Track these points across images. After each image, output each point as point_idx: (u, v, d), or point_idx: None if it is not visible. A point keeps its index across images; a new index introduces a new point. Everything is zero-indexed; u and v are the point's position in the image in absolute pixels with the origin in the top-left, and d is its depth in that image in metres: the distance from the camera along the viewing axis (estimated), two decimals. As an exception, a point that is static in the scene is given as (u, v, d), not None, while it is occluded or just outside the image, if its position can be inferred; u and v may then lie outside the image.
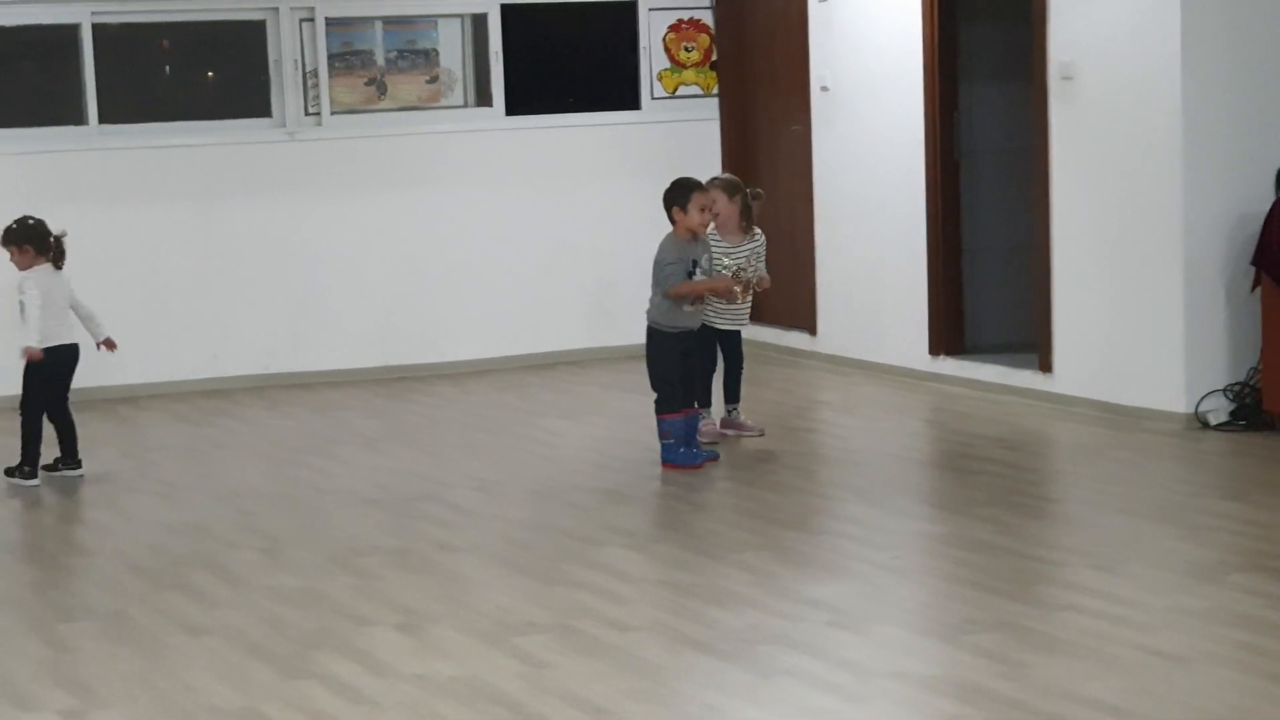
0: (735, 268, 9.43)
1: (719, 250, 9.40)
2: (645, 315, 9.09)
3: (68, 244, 9.22)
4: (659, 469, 8.89)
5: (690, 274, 8.94)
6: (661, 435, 8.94)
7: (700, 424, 9.36)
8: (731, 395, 9.71)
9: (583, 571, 7.08)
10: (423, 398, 11.26)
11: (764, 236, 9.67)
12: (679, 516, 8.15)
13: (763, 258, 9.62)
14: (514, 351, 12.28)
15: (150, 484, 9.08)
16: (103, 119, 11.44)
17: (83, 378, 11.32)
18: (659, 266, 8.93)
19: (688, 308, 9.02)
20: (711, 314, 9.40)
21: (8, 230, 9.16)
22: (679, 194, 8.98)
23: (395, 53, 12.14)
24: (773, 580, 6.88)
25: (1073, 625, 6.18)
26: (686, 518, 8.11)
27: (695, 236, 8.99)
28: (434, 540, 7.70)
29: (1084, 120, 9.87)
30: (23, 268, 9.12)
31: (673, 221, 9.00)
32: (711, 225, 9.36)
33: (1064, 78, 9.92)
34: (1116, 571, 6.81)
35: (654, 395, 9.00)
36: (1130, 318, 9.71)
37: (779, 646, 6.07)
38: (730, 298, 9.29)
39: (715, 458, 9.04)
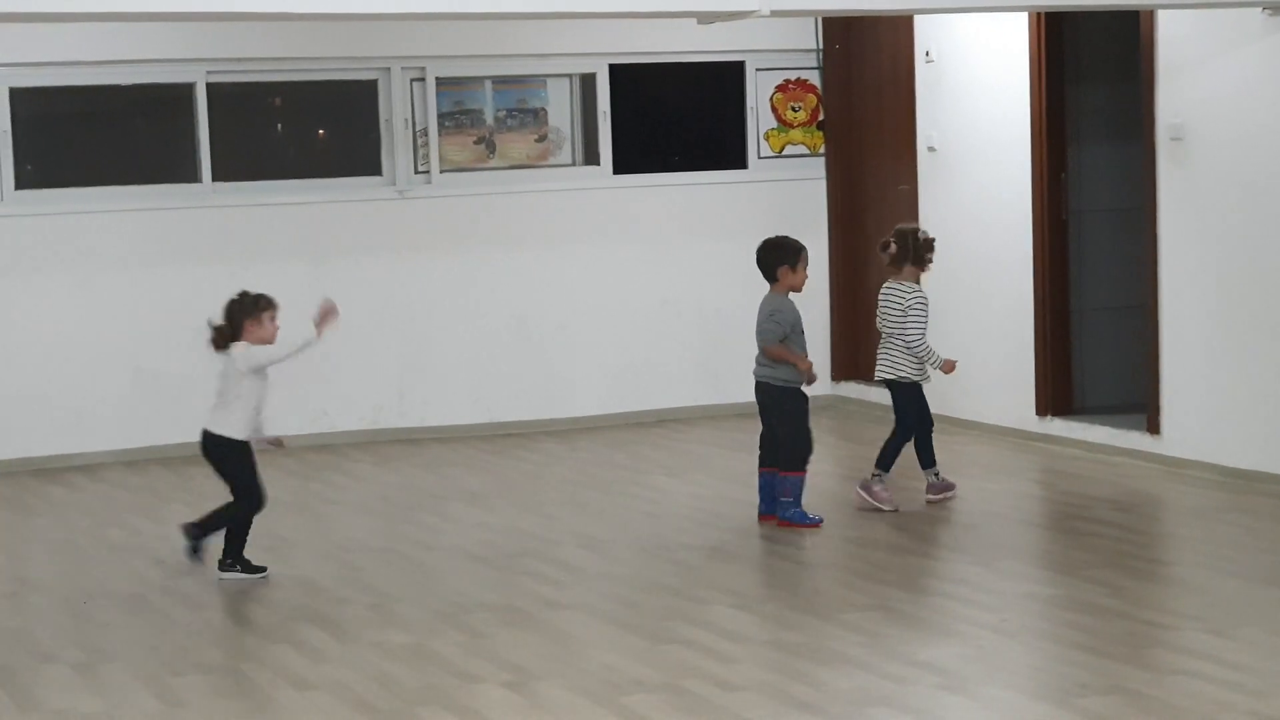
0: None
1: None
2: (768, 377, 8.97)
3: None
4: (763, 528, 8.87)
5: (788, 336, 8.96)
6: (784, 494, 8.90)
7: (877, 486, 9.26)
8: (886, 463, 9.34)
9: (690, 630, 7.07)
10: (529, 454, 11.30)
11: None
12: (786, 575, 8.13)
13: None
14: (620, 409, 12.31)
15: (260, 538, 9.11)
16: (216, 177, 11.59)
17: (194, 431, 11.51)
18: (771, 320, 8.89)
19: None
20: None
21: None
22: (789, 253, 8.98)
23: (505, 112, 12.24)
24: (881, 641, 6.85)
25: (1186, 690, 6.10)
26: (793, 577, 8.09)
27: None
28: (541, 598, 7.71)
29: (1194, 181, 9.80)
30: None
31: (775, 279, 8.98)
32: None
33: (1173, 139, 9.87)
34: (1230, 636, 6.72)
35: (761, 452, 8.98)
36: (1241, 379, 9.62)
37: (888, 709, 6.03)
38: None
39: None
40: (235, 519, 8.28)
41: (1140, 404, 10.35)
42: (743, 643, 6.90)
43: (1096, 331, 11.11)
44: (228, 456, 8.30)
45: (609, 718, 6.03)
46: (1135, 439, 10.30)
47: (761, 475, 9.06)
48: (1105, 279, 11.09)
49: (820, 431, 9.70)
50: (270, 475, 10.84)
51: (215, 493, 10.30)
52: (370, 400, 11.91)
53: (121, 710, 6.34)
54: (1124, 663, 6.45)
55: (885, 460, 9.32)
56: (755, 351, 9.06)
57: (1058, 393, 10.98)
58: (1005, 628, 7.02)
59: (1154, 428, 10.16)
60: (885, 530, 8.83)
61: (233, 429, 8.26)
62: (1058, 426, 10.89)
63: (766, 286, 9.10)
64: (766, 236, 9.23)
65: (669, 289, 12.44)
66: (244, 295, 8.40)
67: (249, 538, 8.33)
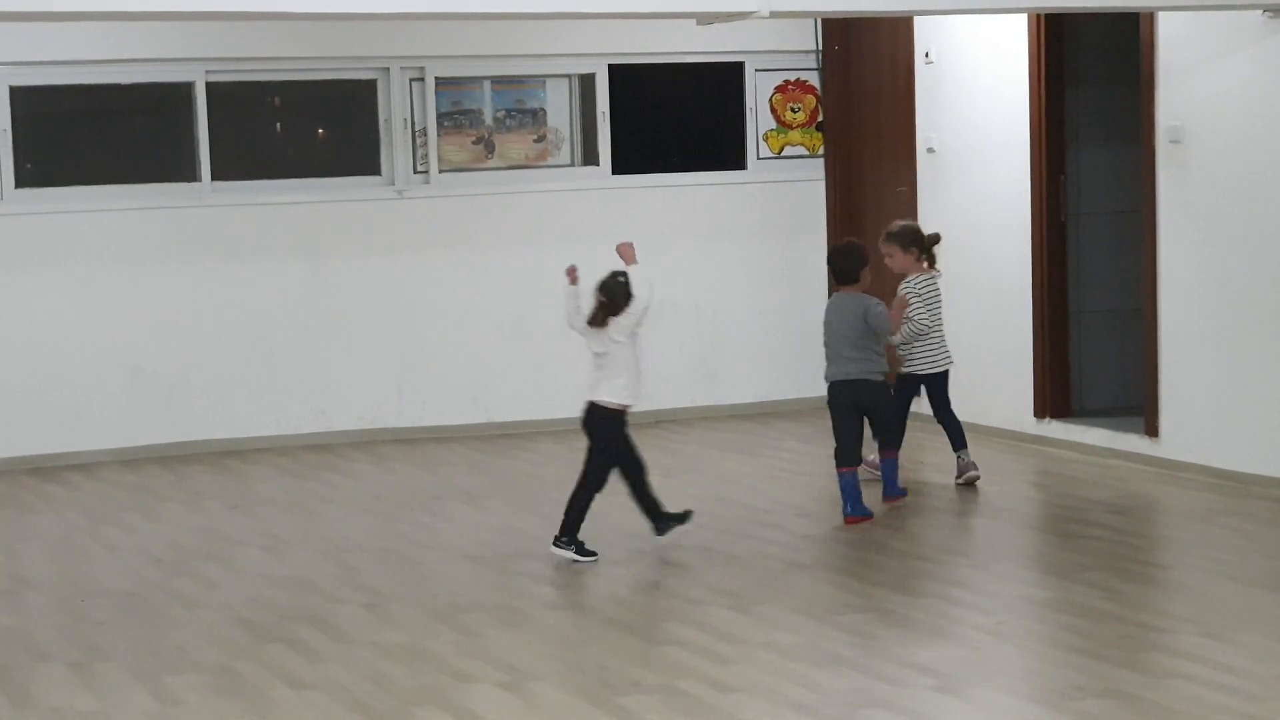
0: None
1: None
2: (867, 373, 9.16)
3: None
4: (759, 529, 8.88)
5: None
6: (895, 475, 9.32)
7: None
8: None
9: (685, 631, 7.07)
10: (526, 454, 11.29)
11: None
12: (781, 577, 8.12)
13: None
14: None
15: (256, 537, 9.15)
16: (215, 176, 11.59)
17: (191, 430, 11.53)
18: (878, 315, 9.11)
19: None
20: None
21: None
22: (867, 255, 9.34)
23: (504, 112, 12.24)
24: (876, 643, 6.85)
25: (1181, 693, 6.11)
26: (789, 578, 8.08)
27: None
28: (537, 597, 7.72)
29: (1193, 183, 9.81)
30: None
31: (857, 279, 9.20)
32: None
33: (1172, 141, 9.87)
34: (1226, 639, 6.72)
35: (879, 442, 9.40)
36: (1240, 382, 9.62)
37: (883, 711, 6.03)
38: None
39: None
40: (591, 489, 8.51)
41: (1138, 407, 10.35)
42: (738, 644, 6.90)
43: (1095, 334, 11.11)
44: (610, 424, 8.50)
45: (604, 718, 6.03)
46: (1133, 442, 10.30)
47: (844, 476, 9.09)
48: (1104, 281, 11.08)
49: (820, 433, 9.74)
50: (266, 474, 10.90)
51: (211, 492, 10.33)
52: (368, 400, 11.92)
53: (117, 709, 6.34)
54: (1119, 666, 6.45)
55: (959, 439, 9.90)
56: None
57: (1056, 395, 10.98)
58: (1001, 630, 7.02)
59: (1152, 430, 10.16)
60: (881, 532, 8.83)
61: (619, 396, 8.47)
62: (1055, 429, 10.89)
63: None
64: (837, 242, 9.67)
65: (667, 290, 12.37)
66: (626, 275, 8.58)
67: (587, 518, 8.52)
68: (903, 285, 9.75)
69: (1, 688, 6.62)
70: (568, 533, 8.41)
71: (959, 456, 9.86)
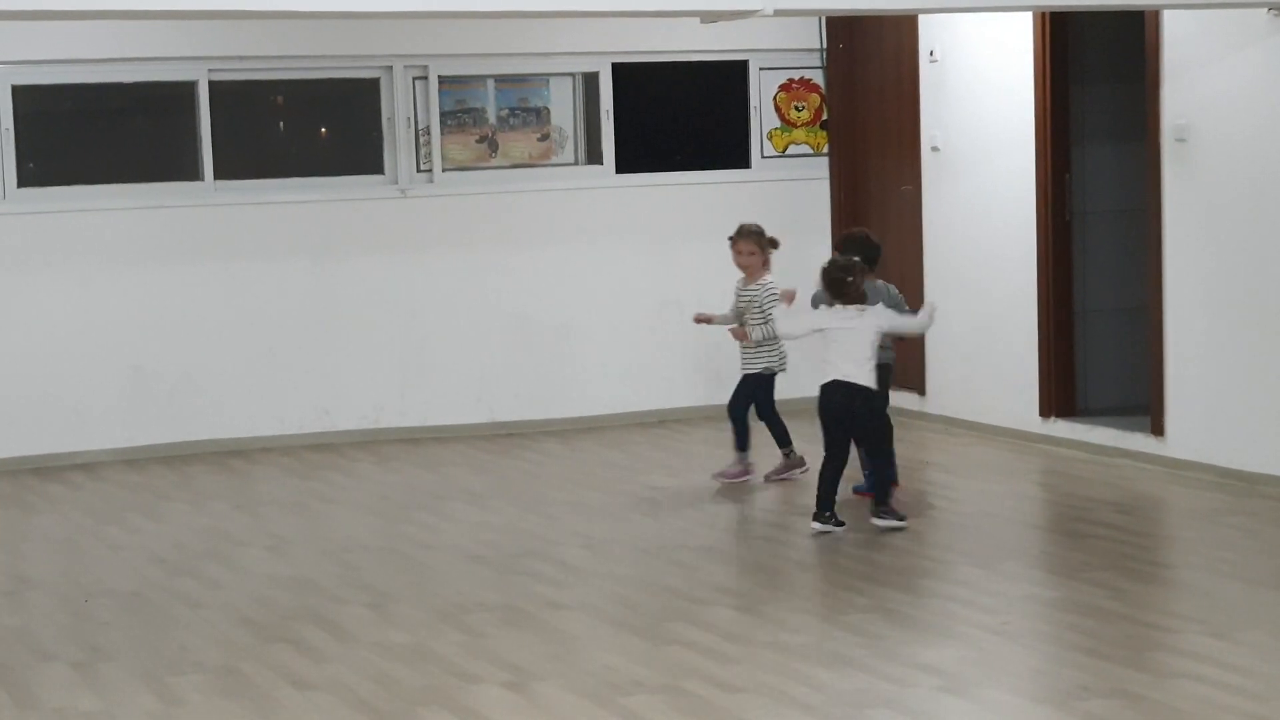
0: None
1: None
2: (889, 358, 9.37)
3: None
4: (764, 529, 8.87)
5: None
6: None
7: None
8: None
9: (690, 631, 7.05)
10: (529, 454, 11.28)
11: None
12: (786, 576, 8.11)
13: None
14: (621, 409, 12.29)
15: (259, 537, 9.13)
16: (218, 175, 11.57)
17: (194, 430, 11.51)
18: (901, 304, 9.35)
19: None
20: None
21: None
22: None
23: (507, 110, 12.22)
24: (881, 643, 6.83)
25: (1187, 693, 6.09)
26: (794, 578, 8.07)
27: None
28: (541, 598, 7.70)
29: (1198, 182, 9.79)
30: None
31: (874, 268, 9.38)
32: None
33: (1178, 139, 9.85)
34: (1232, 639, 6.70)
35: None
36: (1245, 381, 9.60)
37: (888, 711, 6.01)
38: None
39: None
40: (887, 458, 8.88)
41: (1144, 406, 10.32)
42: (743, 644, 6.88)
43: (1100, 333, 11.09)
44: (876, 405, 8.77)
45: (609, 718, 6.01)
46: (1139, 441, 10.28)
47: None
48: (1109, 280, 11.07)
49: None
50: (270, 474, 10.89)
51: (214, 491, 10.31)
52: (371, 399, 11.90)
53: (120, 709, 6.33)
54: (1125, 665, 6.44)
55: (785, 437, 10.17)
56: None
57: (1061, 394, 10.96)
58: (1006, 630, 7.00)
59: (1158, 429, 10.13)
60: (886, 533, 8.80)
61: (872, 379, 8.67)
62: (1061, 428, 10.87)
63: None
64: (856, 233, 9.79)
65: (671, 289, 12.41)
66: (860, 261, 8.92)
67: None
68: (765, 286, 9.94)
69: (5, 687, 6.60)
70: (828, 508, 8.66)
71: (786, 453, 10.08)
